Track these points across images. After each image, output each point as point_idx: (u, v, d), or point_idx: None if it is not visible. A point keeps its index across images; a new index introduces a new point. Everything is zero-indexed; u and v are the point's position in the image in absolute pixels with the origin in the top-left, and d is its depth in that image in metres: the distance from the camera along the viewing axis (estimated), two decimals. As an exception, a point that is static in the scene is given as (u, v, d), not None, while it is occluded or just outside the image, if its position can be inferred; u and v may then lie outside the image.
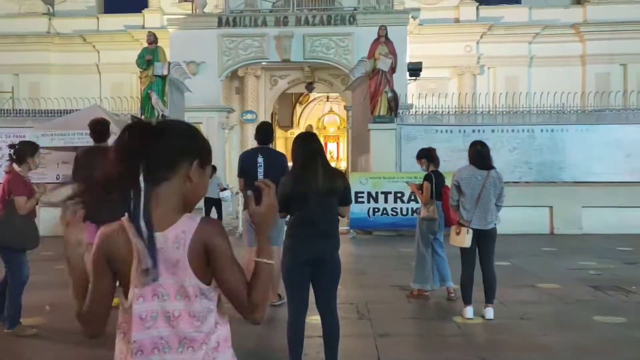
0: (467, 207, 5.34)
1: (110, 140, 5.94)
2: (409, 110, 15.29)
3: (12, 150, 5.01)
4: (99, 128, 5.98)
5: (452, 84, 21.55)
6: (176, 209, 1.57)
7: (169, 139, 1.57)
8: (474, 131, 13.44)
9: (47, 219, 13.35)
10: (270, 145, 6.16)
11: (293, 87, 23.53)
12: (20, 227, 5.12)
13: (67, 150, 12.92)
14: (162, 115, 13.80)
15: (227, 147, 20.27)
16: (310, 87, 22.92)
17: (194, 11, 17.70)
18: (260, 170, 5.91)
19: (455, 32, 21.43)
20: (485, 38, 21.55)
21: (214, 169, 9.91)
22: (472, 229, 5.30)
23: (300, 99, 28.32)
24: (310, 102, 29.73)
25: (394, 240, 12.11)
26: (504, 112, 14.53)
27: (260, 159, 5.93)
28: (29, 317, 5.90)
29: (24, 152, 5.08)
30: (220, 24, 16.68)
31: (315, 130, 33.35)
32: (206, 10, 18.24)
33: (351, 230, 13.04)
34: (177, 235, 1.53)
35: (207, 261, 1.56)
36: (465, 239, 5.28)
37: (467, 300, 5.51)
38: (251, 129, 22.47)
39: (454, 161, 13.42)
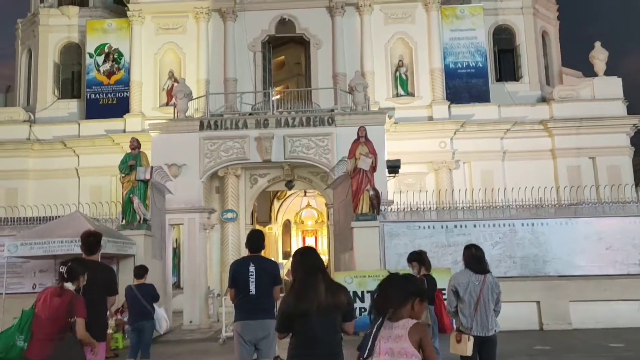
0: (466, 314, 5.26)
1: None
2: (390, 207, 15.47)
3: (63, 268, 4.77)
4: (92, 240, 5.87)
5: (430, 179, 22.04)
6: None
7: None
8: (455, 226, 13.58)
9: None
10: (262, 253, 6.08)
11: (273, 185, 23.73)
12: (81, 353, 4.76)
13: (46, 259, 12.61)
14: (144, 219, 13.70)
15: (208, 247, 20.04)
16: (290, 185, 23.15)
17: (175, 115, 18.11)
18: (252, 280, 5.79)
19: (429, 130, 22.19)
20: (458, 134, 22.33)
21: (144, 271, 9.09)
22: (472, 336, 5.20)
23: (278, 194, 28.54)
24: (288, 197, 29.97)
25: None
26: (484, 207, 14.76)
27: (251, 268, 5.83)
28: None
29: (77, 270, 4.89)
30: (202, 127, 17.05)
31: (292, 225, 33.50)
32: (187, 113, 18.67)
33: (338, 332, 12.66)
34: None
35: None
36: (467, 346, 5.15)
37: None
38: (231, 228, 22.41)
39: (438, 257, 13.54)
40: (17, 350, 4.59)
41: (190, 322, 15.78)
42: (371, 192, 13.37)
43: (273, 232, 29.23)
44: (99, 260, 5.84)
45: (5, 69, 27.81)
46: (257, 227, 24.48)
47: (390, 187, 18.11)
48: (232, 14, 23.10)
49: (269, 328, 5.81)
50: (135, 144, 13.75)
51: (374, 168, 13.60)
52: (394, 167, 16.82)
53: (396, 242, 13.44)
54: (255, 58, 23.06)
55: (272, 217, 29.04)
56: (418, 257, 6.58)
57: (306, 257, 3.90)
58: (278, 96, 21.69)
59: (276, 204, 29.48)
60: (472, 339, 5.18)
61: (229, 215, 22.05)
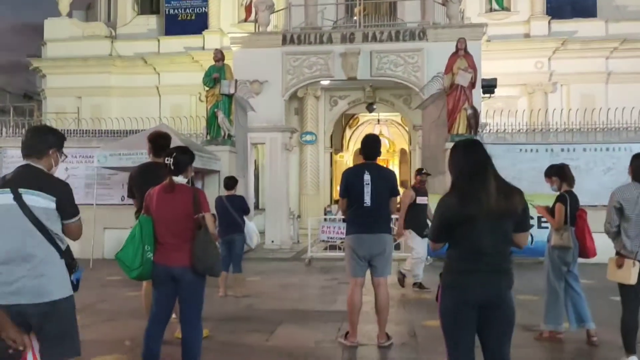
0: (631, 235, 4.41)
1: None
2: (483, 129, 14.33)
3: (169, 160, 4.20)
4: (161, 142, 5.36)
5: (522, 102, 20.40)
6: None
7: None
8: (562, 150, 12.38)
9: (111, 240, 13.03)
10: (377, 161, 5.38)
11: (353, 107, 22.92)
12: (217, 251, 4.38)
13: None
14: (228, 134, 13.32)
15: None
16: (371, 108, 22.23)
17: (256, 30, 17.32)
18: (367, 190, 5.14)
19: (525, 48, 20.38)
20: (558, 54, 20.39)
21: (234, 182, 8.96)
22: (638, 261, 4.37)
23: (350, 122, 27.71)
24: (360, 125, 29.15)
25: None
26: (596, 129, 13.36)
27: (367, 177, 5.16)
28: (107, 355, 5.25)
29: (185, 160, 4.30)
30: (284, 42, 16.18)
31: (364, 154, 32.76)
32: (267, 29, 17.84)
33: (428, 257, 12.08)
34: None
35: None
36: (630, 273, 4.34)
37: (630, 349, 4.53)
38: (310, 151, 21.94)
39: (542, 184, 12.47)
40: (149, 262, 4.14)
41: (272, 241, 15.64)
42: (469, 111, 12.32)
43: (344, 160, 28.74)
44: None
45: (86, -14, 27.62)
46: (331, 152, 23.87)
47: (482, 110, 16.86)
48: None
49: (385, 243, 5.21)
50: (220, 56, 13.18)
51: (473, 84, 12.49)
52: (489, 87, 15.50)
53: (495, 165, 12.41)
54: (337, -30, 21.60)
55: (343, 145, 28.41)
56: (559, 171, 5.68)
57: (471, 151, 3.14)
58: (358, 12, 20.37)
59: (348, 132, 28.75)
60: (637, 264, 4.36)
61: (308, 137, 21.55)
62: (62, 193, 3.22)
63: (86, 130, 15.32)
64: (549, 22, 20.59)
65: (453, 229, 3.02)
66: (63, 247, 3.23)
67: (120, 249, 4.20)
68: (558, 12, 20.73)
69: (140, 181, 5.28)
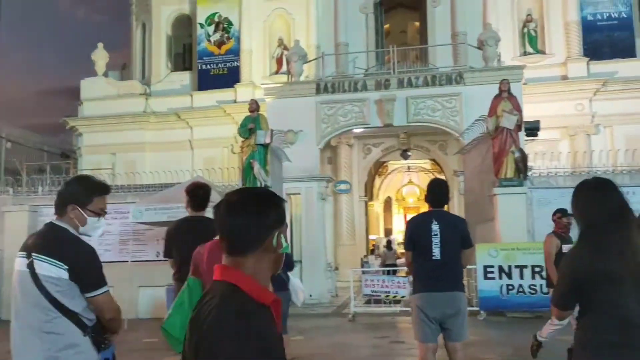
0: None
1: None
2: (531, 172, 13.70)
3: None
4: (200, 193, 4.86)
5: (564, 145, 19.73)
6: None
7: None
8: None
9: (146, 299, 12.56)
10: (446, 208, 4.84)
11: (387, 155, 22.54)
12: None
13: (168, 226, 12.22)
14: (265, 185, 12.94)
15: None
16: (406, 155, 21.80)
17: (289, 80, 17.24)
18: (436, 241, 4.57)
19: (564, 90, 19.85)
20: (598, 95, 19.79)
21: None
22: None
23: (380, 170, 27.32)
24: (389, 173, 28.76)
25: (531, 323, 10.25)
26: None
27: (435, 226, 4.60)
28: None
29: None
30: (318, 91, 16.03)
31: (394, 202, 32.23)
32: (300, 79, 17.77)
33: (481, 312, 11.29)
34: None
35: None
36: None
37: None
38: (345, 200, 21.46)
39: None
40: None
41: (310, 296, 14.92)
42: (517, 154, 11.75)
43: (374, 209, 28.22)
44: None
45: (123, 48, 28.36)
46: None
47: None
48: (343, -26, 21.82)
49: (460, 302, 4.59)
50: (255, 106, 12.97)
51: (519, 127, 11.97)
52: (533, 130, 14.91)
53: (547, 211, 11.67)
54: (367, 20, 21.73)
55: (373, 194, 27.96)
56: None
57: (605, 193, 2.58)
58: (389, 59, 20.26)
59: (377, 181, 28.34)
60: None
61: (343, 186, 21.11)
62: (76, 260, 2.69)
63: (121, 185, 15.16)
64: (587, 64, 20.10)
65: (587, 291, 2.43)
66: (89, 323, 2.72)
67: (165, 318, 3.69)
68: (595, 53, 20.27)
69: (180, 238, 4.81)
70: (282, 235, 1.69)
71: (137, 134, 23.08)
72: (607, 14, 20.46)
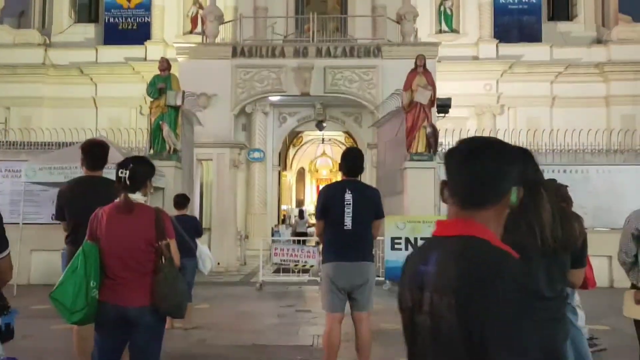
0: (653, 265, 3.95)
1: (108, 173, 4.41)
2: (440, 149, 14.06)
3: (123, 172, 3.33)
4: (97, 152, 4.45)
5: (471, 124, 20.42)
6: None
7: None
8: (521, 171, 12.15)
9: (40, 264, 11.74)
10: (360, 178, 4.73)
11: (302, 124, 22.36)
12: (183, 284, 3.48)
13: (64, 186, 11.40)
14: (174, 149, 12.39)
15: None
16: (321, 126, 21.72)
17: (204, 41, 16.50)
18: (349, 210, 4.47)
19: (474, 70, 20.50)
20: (505, 76, 20.63)
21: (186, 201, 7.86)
22: (658, 295, 3.90)
23: (295, 140, 27.21)
24: (304, 144, 28.73)
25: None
26: (554, 151, 13.30)
27: (348, 196, 4.49)
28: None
29: (143, 173, 3.43)
30: (234, 54, 15.47)
31: (307, 173, 32.35)
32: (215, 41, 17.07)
33: (387, 281, 11.53)
34: None
35: None
36: (651, 309, 3.87)
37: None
38: (258, 169, 21.14)
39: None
40: (95, 302, 3.26)
41: (218, 264, 14.65)
42: (428, 130, 11.96)
43: (287, 179, 28.15)
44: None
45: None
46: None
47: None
48: None
49: (368, 273, 4.54)
50: (166, 65, 12.28)
51: (432, 102, 12.15)
52: (444, 107, 15.22)
53: (454, 185, 12.07)
54: (288, -15, 21.18)
55: (287, 164, 27.86)
56: (557, 193, 5.19)
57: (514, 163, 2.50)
58: (308, 28, 19.97)
59: (291, 151, 28.23)
60: (659, 298, 3.89)
61: (256, 154, 20.76)
62: None
63: (14, 142, 13.96)
64: (497, 45, 20.83)
65: None
66: None
67: (55, 285, 3.32)
68: (505, 35, 21.04)
69: (73, 199, 4.39)
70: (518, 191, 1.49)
71: (34, 87, 21.35)
72: (518, -1, 21.24)
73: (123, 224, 3.34)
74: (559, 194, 5.02)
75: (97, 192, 3.99)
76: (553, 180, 4.88)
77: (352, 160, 4.63)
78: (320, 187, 29.11)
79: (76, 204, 4.24)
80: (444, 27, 21.39)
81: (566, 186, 5.07)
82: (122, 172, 3.35)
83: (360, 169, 4.67)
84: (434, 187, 12.03)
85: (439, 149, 14.25)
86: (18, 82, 21.13)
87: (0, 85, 21.08)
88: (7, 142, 14.05)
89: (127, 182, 3.34)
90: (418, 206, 11.83)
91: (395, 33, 17.40)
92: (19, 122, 20.69)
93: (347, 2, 21.15)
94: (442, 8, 21.37)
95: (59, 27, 22.50)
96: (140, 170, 3.41)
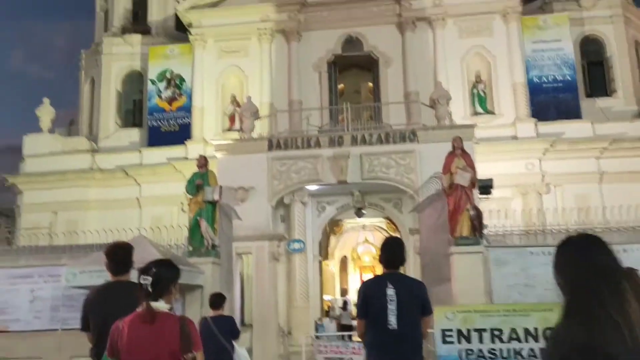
0: None
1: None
2: (486, 231, 13.51)
3: (146, 279, 3.12)
4: (120, 255, 4.21)
5: (516, 204, 19.82)
6: None
7: None
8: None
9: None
10: (401, 270, 4.36)
11: (342, 213, 22.10)
12: None
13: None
14: (212, 244, 12.25)
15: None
16: (360, 213, 21.41)
17: (241, 137, 16.85)
18: (392, 307, 4.06)
19: (514, 150, 20.14)
20: (548, 155, 20.17)
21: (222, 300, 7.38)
22: None
23: (335, 228, 26.93)
24: (344, 232, 28.40)
25: (494, 390, 9.72)
26: (603, 230, 12.58)
27: (390, 291, 4.10)
28: None
29: (167, 277, 3.22)
30: (270, 147, 15.69)
31: (350, 261, 31.71)
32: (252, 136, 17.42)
33: None
34: None
35: None
36: None
37: None
38: (298, 260, 20.75)
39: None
40: None
41: (260, 363, 14.07)
42: (472, 212, 11.50)
43: (329, 268, 27.60)
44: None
45: (70, 106, 27.58)
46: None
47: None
48: (296, 34, 22.05)
49: (418, 378, 4.04)
50: (203, 162, 12.43)
51: (473, 184, 11.77)
52: (486, 188, 14.81)
53: (505, 271, 11.42)
54: (321, 79, 21.83)
55: (328, 253, 27.42)
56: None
57: (589, 251, 2.14)
58: (342, 119, 20.28)
59: (332, 239, 27.88)
60: None
61: (296, 245, 20.42)
62: None
63: (56, 246, 14.14)
64: (535, 124, 20.56)
65: None
66: None
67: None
68: (543, 114, 20.83)
69: (96, 307, 4.13)
70: None
71: (81, 191, 22.05)
72: (552, 77, 21.19)
73: (145, 336, 3.06)
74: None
75: (120, 300, 3.72)
76: (633, 270, 4.39)
77: (391, 251, 4.27)
78: (365, 277, 28.36)
79: (98, 313, 3.98)
80: (478, 108, 21.36)
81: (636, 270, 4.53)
82: (144, 279, 3.11)
83: (401, 260, 4.30)
84: (482, 273, 11.40)
85: (485, 231, 13.73)
86: (66, 187, 21.90)
87: (50, 192, 21.85)
88: (50, 246, 14.23)
89: (150, 289, 3.08)
90: (468, 294, 11.16)
91: (430, 117, 17.43)
92: (65, 226, 21.19)
93: (380, 91, 21.52)
94: (474, 91, 21.46)
95: (106, 133, 23.54)
96: (163, 275, 3.17)
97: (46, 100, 23.24)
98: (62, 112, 25.14)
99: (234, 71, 22.44)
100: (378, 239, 28.12)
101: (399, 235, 21.98)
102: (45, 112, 23.09)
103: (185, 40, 23.11)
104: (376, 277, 4.41)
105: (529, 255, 11.44)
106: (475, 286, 11.25)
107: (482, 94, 21.42)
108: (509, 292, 11.23)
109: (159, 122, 22.85)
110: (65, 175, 22.04)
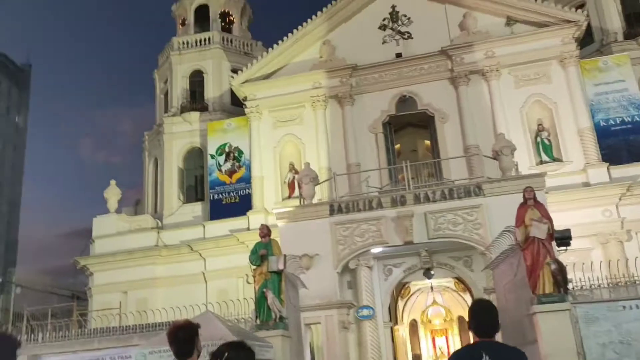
0: None
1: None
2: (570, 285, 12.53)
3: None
4: (181, 336, 3.90)
5: (596, 254, 18.53)
6: None
7: None
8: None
9: None
10: (497, 337, 3.87)
11: (409, 275, 21.31)
12: None
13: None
14: (280, 316, 11.87)
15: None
16: (429, 274, 20.59)
17: (301, 203, 16.73)
18: (489, 383, 3.55)
19: (587, 197, 19.09)
20: (624, 200, 18.99)
21: None
22: None
23: (402, 292, 25.93)
24: (412, 294, 27.29)
25: None
26: None
27: (485, 362, 3.60)
28: None
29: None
30: (332, 212, 15.45)
31: (420, 325, 30.27)
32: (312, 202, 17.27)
33: None
34: None
35: None
36: None
37: None
38: (369, 327, 19.96)
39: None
40: None
41: None
42: (553, 266, 10.70)
43: (400, 333, 26.42)
44: None
45: (136, 186, 28.63)
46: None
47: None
48: (349, 98, 22.24)
49: None
50: (266, 231, 12.26)
51: (550, 235, 11.02)
52: (564, 239, 13.89)
53: (596, 328, 10.43)
54: (377, 140, 21.73)
55: (397, 318, 26.34)
56: None
57: None
58: (402, 178, 19.89)
59: (400, 303, 26.82)
60: None
61: (365, 312, 19.69)
62: None
63: (127, 326, 14.14)
64: (608, 169, 19.52)
65: None
66: None
67: None
68: (614, 158, 19.82)
69: None
70: None
71: (148, 269, 22.39)
72: (620, 119, 20.27)
73: None
74: None
75: None
76: None
77: (485, 316, 3.78)
78: (436, 341, 26.83)
79: None
80: (544, 157, 20.54)
81: None
82: None
83: (496, 325, 3.81)
84: (572, 332, 10.45)
85: (569, 286, 12.76)
86: (134, 266, 22.29)
87: (118, 271, 22.30)
88: (120, 327, 14.25)
89: None
90: (558, 356, 10.22)
91: (493, 170, 16.84)
92: (135, 305, 21.44)
93: (439, 147, 21.14)
94: (538, 139, 20.72)
95: (170, 209, 24.07)
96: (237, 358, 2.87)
97: (112, 182, 24.12)
98: (128, 192, 26.16)
99: (290, 139, 22.71)
100: (448, 300, 26.90)
101: (469, 296, 20.95)
102: (112, 194, 23.92)
103: (241, 113, 23.73)
104: (468, 347, 3.90)
105: (621, 310, 10.43)
106: (566, 347, 10.30)
107: (546, 141, 20.66)
108: (603, 351, 10.21)
109: (221, 195, 23.19)
110: (133, 254, 22.47)
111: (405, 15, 22.46)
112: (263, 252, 11.96)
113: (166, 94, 26.72)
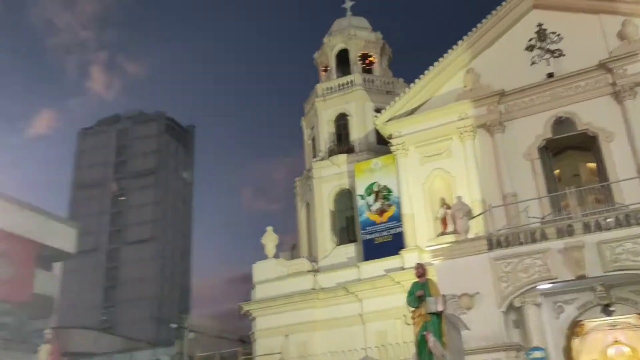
0: None
1: None
2: None
3: None
4: None
5: None
6: None
7: None
8: None
9: None
10: None
11: (584, 312, 19.21)
12: None
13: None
14: (443, 361, 11.20)
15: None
16: (608, 311, 18.40)
17: (457, 239, 15.99)
18: None
19: None
20: None
21: None
22: None
23: (576, 330, 23.29)
24: (587, 333, 24.37)
25: None
26: None
27: None
28: None
29: None
30: (490, 246, 14.52)
31: (602, 367, 26.98)
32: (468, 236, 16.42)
33: None
34: None
35: None
36: None
37: None
38: (543, 372, 18.22)
39: None
40: None
41: None
42: None
43: (577, 382, 23.63)
44: None
45: (291, 231, 29.68)
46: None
47: None
48: (499, 125, 21.17)
49: None
50: (422, 271, 11.78)
51: None
52: None
53: None
54: (533, 167, 20.29)
55: (572, 359, 23.64)
56: None
57: None
58: (566, 204, 18.16)
59: (575, 343, 24.08)
60: None
61: (537, 354, 17.96)
62: None
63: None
64: None
65: None
66: None
67: None
68: None
69: None
70: None
71: (307, 312, 22.78)
72: None
73: None
74: None
75: None
76: None
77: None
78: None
79: None
80: None
81: None
82: None
83: None
84: None
85: None
86: (293, 310, 22.82)
87: (279, 315, 22.97)
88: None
89: None
90: None
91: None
92: (296, 348, 21.85)
93: (606, 169, 19.15)
94: None
95: (324, 252, 24.47)
96: None
97: (269, 229, 25.16)
98: (284, 237, 27.05)
99: (439, 173, 22.08)
100: (631, 337, 23.78)
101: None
102: (269, 240, 24.93)
103: (387, 152, 23.66)
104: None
105: None
106: None
107: None
108: None
109: (372, 235, 23.10)
110: (292, 298, 23.04)
111: (554, 32, 21.10)
112: (420, 293, 11.48)
113: (314, 140, 27.62)
